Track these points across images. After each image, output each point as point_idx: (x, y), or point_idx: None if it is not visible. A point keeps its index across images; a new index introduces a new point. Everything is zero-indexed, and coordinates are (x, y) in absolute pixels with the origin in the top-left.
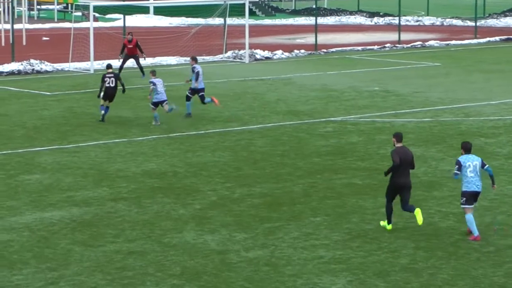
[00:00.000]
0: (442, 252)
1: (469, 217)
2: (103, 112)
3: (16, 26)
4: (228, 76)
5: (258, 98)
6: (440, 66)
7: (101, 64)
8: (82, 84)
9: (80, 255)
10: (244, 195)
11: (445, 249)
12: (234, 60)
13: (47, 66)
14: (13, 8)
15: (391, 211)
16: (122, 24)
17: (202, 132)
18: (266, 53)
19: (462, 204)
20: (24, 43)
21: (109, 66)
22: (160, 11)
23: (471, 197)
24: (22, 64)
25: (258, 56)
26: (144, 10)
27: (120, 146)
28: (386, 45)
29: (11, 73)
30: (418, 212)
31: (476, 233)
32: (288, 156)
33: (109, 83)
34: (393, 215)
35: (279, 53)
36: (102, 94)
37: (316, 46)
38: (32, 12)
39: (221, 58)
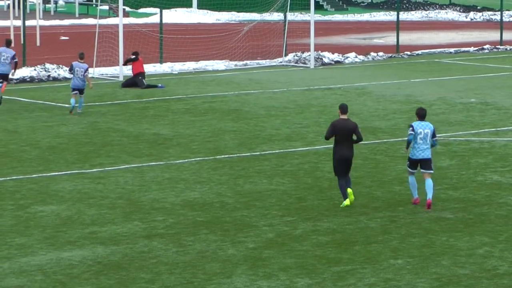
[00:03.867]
0: None
1: (411, 179)
2: None
3: (29, 22)
4: (288, 84)
5: (325, 111)
6: None
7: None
8: (109, 94)
9: None
10: (308, 231)
11: None
12: (296, 64)
13: (65, 72)
14: (24, 0)
15: (344, 186)
16: (158, 21)
17: (257, 153)
18: (336, 56)
19: (407, 167)
20: (38, 43)
21: None
22: (206, 4)
23: (415, 163)
24: (35, 70)
25: (325, 60)
26: (185, 3)
27: (156, 171)
28: (485, 47)
29: (22, 80)
30: (349, 199)
31: (415, 196)
32: (362, 184)
33: None
34: (346, 190)
35: (351, 56)
36: None
37: (397, 48)
38: (48, 6)
39: (280, 62)
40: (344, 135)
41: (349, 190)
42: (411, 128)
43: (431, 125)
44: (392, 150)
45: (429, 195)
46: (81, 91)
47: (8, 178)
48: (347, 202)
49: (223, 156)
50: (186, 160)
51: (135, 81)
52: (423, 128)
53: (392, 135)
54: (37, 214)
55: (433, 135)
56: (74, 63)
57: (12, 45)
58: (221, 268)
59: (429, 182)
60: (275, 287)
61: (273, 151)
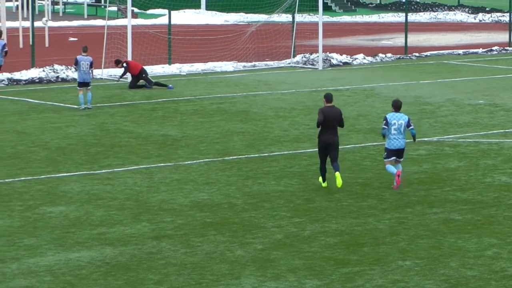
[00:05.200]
0: None
1: (389, 167)
2: None
3: (37, 24)
4: (296, 85)
5: None
6: None
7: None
8: (118, 95)
9: None
10: (317, 232)
11: None
12: (305, 66)
13: (74, 73)
14: (33, 2)
15: (324, 171)
16: (166, 22)
17: (265, 154)
18: (344, 58)
19: (384, 157)
20: (46, 44)
21: None
22: (214, 5)
23: (392, 153)
24: (44, 71)
25: (334, 61)
26: (194, 4)
27: (164, 172)
28: (493, 48)
29: (31, 81)
30: (338, 176)
31: (395, 171)
32: (371, 185)
33: None
34: (326, 174)
35: (360, 58)
36: None
37: (406, 49)
38: (56, 7)
39: (289, 63)
40: (330, 121)
41: (337, 175)
42: (384, 122)
43: (405, 116)
44: None
45: (399, 168)
46: (87, 84)
47: (16, 179)
48: (324, 184)
49: (231, 157)
50: (195, 161)
51: (139, 80)
52: (397, 119)
53: None
54: (45, 215)
55: (408, 125)
56: (79, 56)
57: (3, 36)
58: (230, 269)
59: (399, 166)
60: None
61: (282, 152)
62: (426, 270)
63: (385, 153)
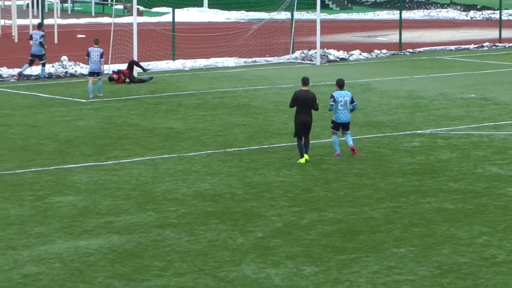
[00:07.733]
0: None
1: (334, 138)
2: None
3: (47, 21)
4: (295, 80)
5: None
6: None
7: (145, 66)
8: (124, 90)
9: None
10: (314, 221)
11: None
12: (303, 61)
13: (82, 68)
14: (43, 0)
15: (301, 147)
16: (170, 19)
17: (265, 146)
18: (341, 54)
19: (331, 128)
20: (55, 41)
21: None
22: (216, 3)
23: (338, 125)
24: (53, 66)
25: (331, 57)
26: (197, 2)
27: (168, 163)
28: (485, 44)
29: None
30: (305, 156)
31: (337, 151)
32: (366, 176)
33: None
34: (303, 150)
35: (356, 54)
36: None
37: (400, 45)
38: (65, 5)
39: (288, 59)
40: (304, 104)
41: (305, 156)
42: (332, 99)
43: (349, 93)
44: (395, 144)
45: (350, 143)
46: (97, 74)
47: (27, 170)
48: (302, 160)
49: (233, 149)
50: (198, 153)
51: (134, 69)
52: (343, 96)
53: (395, 129)
54: (54, 204)
55: (352, 101)
56: (90, 48)
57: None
58: (231, 256)
59: (348, 136)
60: (283, 275)
61: (281, 144)
62: (419, 257)
63: (332, 125)
